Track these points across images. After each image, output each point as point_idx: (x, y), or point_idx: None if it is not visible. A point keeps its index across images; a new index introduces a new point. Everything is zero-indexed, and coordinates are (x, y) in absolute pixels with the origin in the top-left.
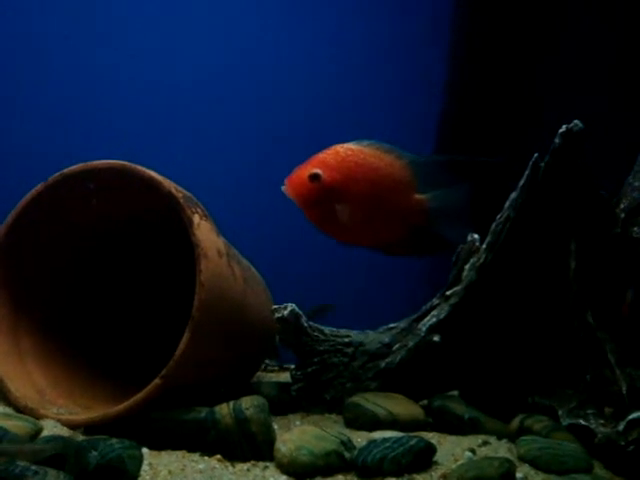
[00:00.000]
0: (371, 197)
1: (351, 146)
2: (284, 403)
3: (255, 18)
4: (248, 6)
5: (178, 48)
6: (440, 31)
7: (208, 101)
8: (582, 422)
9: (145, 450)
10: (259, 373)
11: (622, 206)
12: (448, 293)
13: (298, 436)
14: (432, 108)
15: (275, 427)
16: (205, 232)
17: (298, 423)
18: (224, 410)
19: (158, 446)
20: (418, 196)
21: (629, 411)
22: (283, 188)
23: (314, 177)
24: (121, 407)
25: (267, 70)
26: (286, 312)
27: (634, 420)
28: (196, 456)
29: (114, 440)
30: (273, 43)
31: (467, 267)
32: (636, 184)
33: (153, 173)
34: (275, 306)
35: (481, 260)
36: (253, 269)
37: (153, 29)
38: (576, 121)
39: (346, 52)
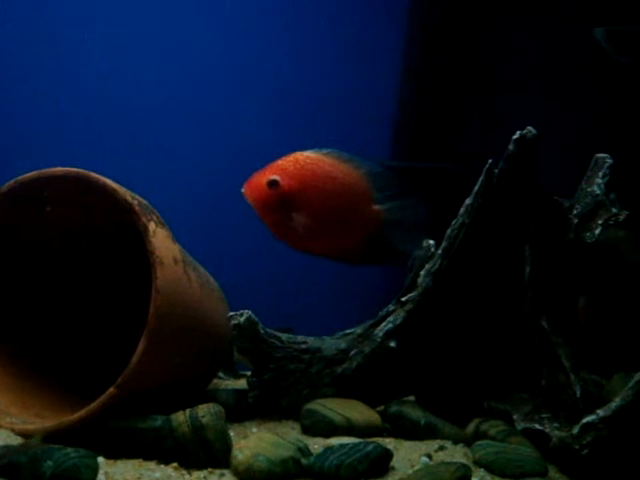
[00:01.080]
0: (328, 206)
1: (310, 154)
2: (241, 410)
3: (212, 21)
4: (204, 10)
5: (138, 50)
6: (396, 33)
7: (163, 108)
8: (537, 426)
9: (101, 459)
10: (215, 380)
11: (575, 212)
12: (404, 299)
13: (255, 443)
14: (388, 112)
15: (232, 434)
16: (161, 239)
17: (255, 430)
18: (180, 418)
19: (114, 455)
20: (374, 206)
21: (583, 415)
22: (242, 190)
23: (272, 183)
24: (76, 416)
25: (221, 75)
26: (242, 319)
27: (588, 424)
28: (152, 464)
29: (69, 449)
30: (228, 45)
31: (422, 273)
32: (589, 189)
33: (108, 181)
34: (231, 313)
35: (436, 266)
36: (209, 276)
37: (113, 30)
38: (529, 127)
39: (302, 56)
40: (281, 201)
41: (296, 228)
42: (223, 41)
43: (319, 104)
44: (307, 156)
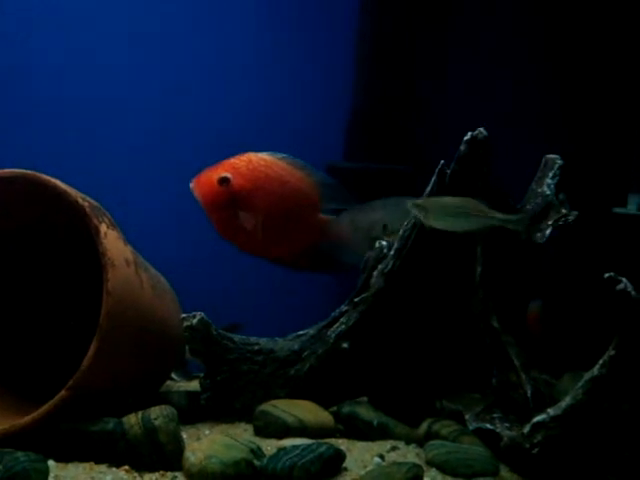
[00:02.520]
0: (276, 210)
1: (265, 156)
2: (193, 412)
3: (165, 21)
4: (157, 8)
5: (86, 49)
6: (346, 34)
7: (111, 107)
8: (488, 426)
9: (52, 463)
10: (168, 382)
11: None
12: (357, 300)
13: (207, 445)
14: (340, 113)
15: (184, 436)
16: (112, 241)
17: (207, 432)
18: (132, 420)
19: (65, 458)
20: (322, 216)
21: (534, 414)
22: (191, 185)
23: (223, 181)
24: (26, 419)
25: (169, 71)
26: (195, 321)
27: (538, 423)
28: (104, 467)
29: (20, 453)
30: (180, 44)
31: (375, 274)
32: (539, 190)
33: (58, 182)
34: (184, 315)
35: (389, 267)
36: (162, 278)
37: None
38: (480, 129)
39: (256, 55)
40: (230, 199)
41: (242, 228)
42: (175, 39)
43: (272, 106)
44: (261, 158)
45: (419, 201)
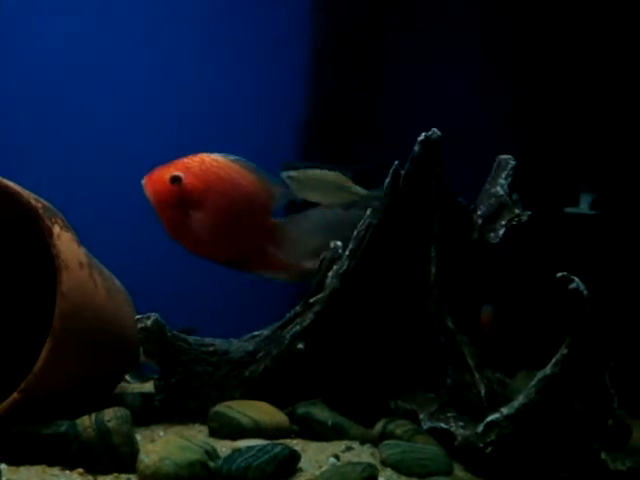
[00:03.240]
0: (226, 212)
1: (217, 157)
2: (148, 414)
3: (113, 23)
4: (106, 11)
5: (34, 50)
6: (301, 35)
7: (61, 106)
8: (443, 425)
9: (4, 466)
10: (122, 384)
11: (479, 212)
12: (312, 301)
13: (161, 447)
14: (295, 114)
15: (138, 438)
16: (65, 243)
17: (162, 434)
18: (86, 422)
19: (18, 461)
20: (272, 220)
21: (487, 413)
22: (142, 183)
23: (175, 179)
24: None
25: (122, 71)
26: (149, 322)
27: (492, 422)
28: (57, 470)
29: None
30: (131, 46)
31: (330, 274)
32: (492, 190)
33: (10, 183)
34: (138, 316)
35: (344, 267)
36: (115, 280)
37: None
38: (434, 129)
39: (208, 59)
40: (181, 199)
41: (191, 229)
42: (125, 41)
43: (224, 107)
44: (214, 159)
45: (294, 173)
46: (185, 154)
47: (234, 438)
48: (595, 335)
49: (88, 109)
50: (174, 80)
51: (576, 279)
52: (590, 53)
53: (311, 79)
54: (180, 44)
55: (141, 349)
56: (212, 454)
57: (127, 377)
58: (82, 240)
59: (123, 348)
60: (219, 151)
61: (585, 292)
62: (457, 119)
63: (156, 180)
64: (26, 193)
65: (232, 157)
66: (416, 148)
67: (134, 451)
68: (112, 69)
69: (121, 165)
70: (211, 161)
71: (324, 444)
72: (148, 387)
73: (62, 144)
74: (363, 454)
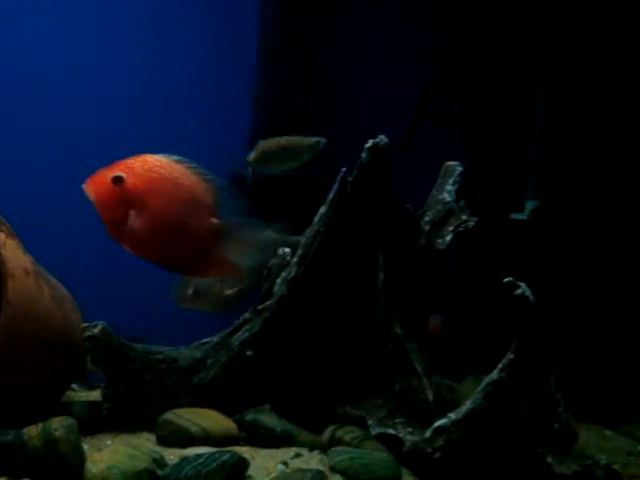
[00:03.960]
0: (169, 213)
1: (161, 158)
2: (95, 423)
3: (50, 18)
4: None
5: None
6: (249, 42)
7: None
8: (391, 431)
9: None
10: (69, 393)
11: (427, 218)
12: (260, 307)
13: (109, 456)
14: (243, 121)
15: (86, 447)
16: (11, 250)
17: (109, 442)
18: (32, 432)
19: None
20: (215, 221)
21: (435, 419)
22: (84, 186)
23: (117, 180)
24: None
25: (62, 73)
26: (96, 330)
27: (440, 427)
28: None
29: None
30: (67, 42)
31: (278, 281)
32: (439, 197)
33: None
34: (85, 324)
35: (292, 274)
36: (62, 287)
37: None
38: (381, 136)
39: (155, 59)
40: (123, 199)
41: (133, 230)
42: (61, 37)
43: (175, 112)
44: (157, 159)
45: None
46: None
47: (182, 446)
48: (541, 340)
49: (27, 110)
50: (119, 84)
51: (522, 284)
52: (535, 57)
53: (259, 86)
54: (127, 46)
55: (88, 357)
56: (160, 462)
57: (74, 386)
58: (28, 248)
59: (70, 356)
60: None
61: (531, 297)
62: (406, 125)
63: (98, 181)
64: None
65: (175, 157)
66: (363, 155)
67: (81, 460)
68: (55, 72)
69: (66, 172)
70: (154, 161)
71: (273, 451)
72: (95, 395)
73: (16, 156)
74: (312, 461)
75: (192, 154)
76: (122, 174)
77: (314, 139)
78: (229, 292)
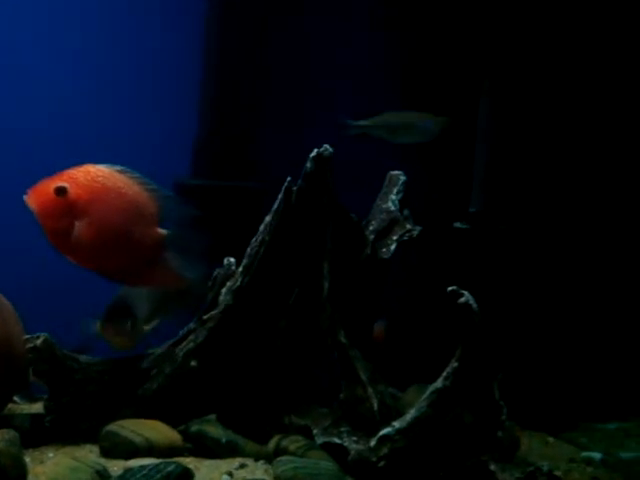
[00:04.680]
0: (113, 222)
1: (103, 168)
2: (37, 435)
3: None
4: None
5: None
6: (193, 51)
7: None
8: (336, 440)
9: None
10: (10, 405)
11: (371, 228)
12: (205, 317)
13: (51, 468)
14: (188, 129)
15: (28, 460)
16: None
17: (52, 455)
18: None
19: None
20: (158, 230)
21: (380, 427)
22: (25, 198)
23: (60, 191)
24: None
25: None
26: (39, 342)
27: (384, 436)
28: None
29: None
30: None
31: (224, 291)
32: (384, 206)
33: None
34: (27, 336)
35: (237, 283)
36: (3, 299)
37: None
38: (326, 145)
39: (100, 69)
40: (66, 210)
41: (77, 241)
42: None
43: (117, 122)
44: (99, 169)
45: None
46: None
47: (126, 457)
48: (484, 348)
49: None
50: (62, 91)
51: (466, 293)
52: (480, 63)
53: (204, 95)
54: (68, 53)
55: (30, 369)
56: (103, 474)
57: (16, 398)
58: None
59: (11, 368)
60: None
61: (474, 306)
62: (351, 136)
63: (40, 192)
64: None
65: (118, 167)
66: (308, 164)
67: (23, 473)
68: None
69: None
70: (96, 172)
71: (218, 461)
72: (37, 408)
73: None
74: (257, 471)
75: (135, 162)
76: (65, 185)
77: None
78: (146, 327)
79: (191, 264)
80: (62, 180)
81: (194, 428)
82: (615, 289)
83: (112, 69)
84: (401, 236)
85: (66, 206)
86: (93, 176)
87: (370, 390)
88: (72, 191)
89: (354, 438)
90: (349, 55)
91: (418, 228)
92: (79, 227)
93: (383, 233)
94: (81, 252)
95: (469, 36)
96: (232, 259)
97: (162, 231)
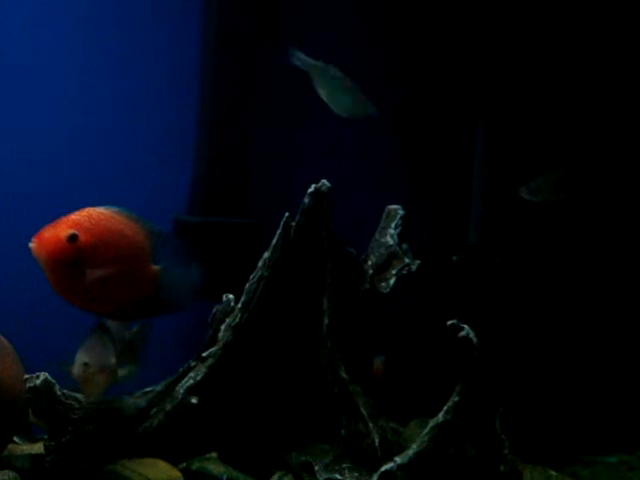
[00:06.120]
0: (118, 263)
1: (103, 210)
2: (38, 476)
3: None
4: None
5: None
6: (191, 87)
7: None
8: (338, 476)
9: None
10: (10, 446)
11: (370, 262)
12: (205, 354)
13: None
14: (186, 167)
15: None
16: None
17: None
18: None
19: None
20: (152, 266)
21: (382, 463)
22: (31, 246)
23: (72, 238)
24: None
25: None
26: (38, 381)
27: (386, 472)
28: None
29: None
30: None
31: (223, 327)
32: (382, 240)
33: None
34: (27, 375)
35: (237, 320)
36: (3, 339)
37: None
38: (323, 180)
39: (100, 107)
40: (77, 256)
41: (86, 285)
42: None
43: (116, 161)
44: (100, 212)
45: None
46: (72, 208)
47: None
48: (485, 382)
49: None
50: (61, 130)
51: (466, 327)
52: (475, 97)
53: (203, 132)
54: (63, 87)
55: (30, 409)
56: None
57: (16, 438)
58: None
59: (11, 409)
60: (103, 203)
61: (474, 340)
62: (347, 170)
63: (50, 240)
64: None
65: (115, 209)
66: (306, 200)
67: None
68: None
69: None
70: (98, 214)
71: None
72: (38, 448)
73: None
74: None
75: (134, 202)
76: (75, 232)
77: None
78: (121, 373)
79: (183, 297)
80: (68, 226)
81: (195, 465)
82: (614, 322)
83: (112, 107)
84: (400, 270)
85: (77, 252)
86: (96, 220)
87: (371, 425)
88: (81, 237)
89: (356, 474)
90: None
91: (417, 262)
92: (89, 272)
93: (382, 267)
94: (90, 296)
95: (464, 71)
96: (231, 296)
97: (156, 267)
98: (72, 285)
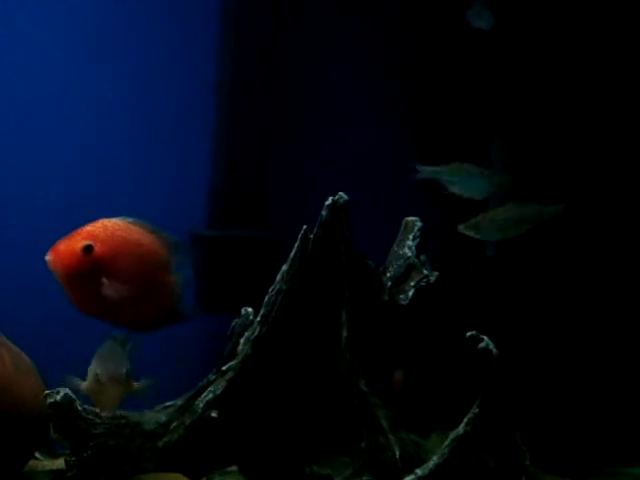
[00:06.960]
0: (136, 274)
1: (118, 221)
2: None
3: None
4: None
5: None
6: (206, 100)
7: None
8: None
9: None
10: (31, 462)
11: (388, 274)
12: (224, 368)
13: None
14: (202, 180)
15: None
16: None
17: None
18: None
19: None
20: (170, 276)
21: (403, 475)
22: (47, 258)
23: (87, 249)
24: None
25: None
26: (59, 397)
27: None
28: None
29: None
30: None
31: (242, 341)
32: (400, 252)
33: None
34: (47, 391)
35: (256, 333)
36: (23, 354)
37: None
38: (341, 193)
39: (115, 119)
40: (94, 268)
41: (104, 297)
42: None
43: (132, 175)
44: (115, 223)
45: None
46: (85, 220)
47: None
48: (505, 393)
49: None
50: (77, 140)
51: (485, 338)
52: (491, 117)
53: (218, 145)
54: (78, 99)
55: (51, 425)
56: None
57: (37, 454)
58: None
59: (32, 424)
60: (118, 215)
61: (494, 351)
62: (364, 182)
63: (67, 253)
64: None
65: (129, 219)
66: (324, 213)
67: None
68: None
69: (27, 236)
70: (113, 225)
71: None
72: (59, 464)
73: None
74: None
75: (150, 214)
76: (91, 243)
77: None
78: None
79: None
80: (84, 238)
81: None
82: (637, 333)
83: (129, 119)
84: (418, 282)
85: (93, 264)
86: (112, 230)
87: (392, 438)
88: (97, 248)
89: None
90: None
91: (435, 274)
92: (106, 283)
93: (400, 279)
94: (107, 307)
95: (479, 93)
96: (250, 309)
97: (173, 277)
98: (89, 297)
